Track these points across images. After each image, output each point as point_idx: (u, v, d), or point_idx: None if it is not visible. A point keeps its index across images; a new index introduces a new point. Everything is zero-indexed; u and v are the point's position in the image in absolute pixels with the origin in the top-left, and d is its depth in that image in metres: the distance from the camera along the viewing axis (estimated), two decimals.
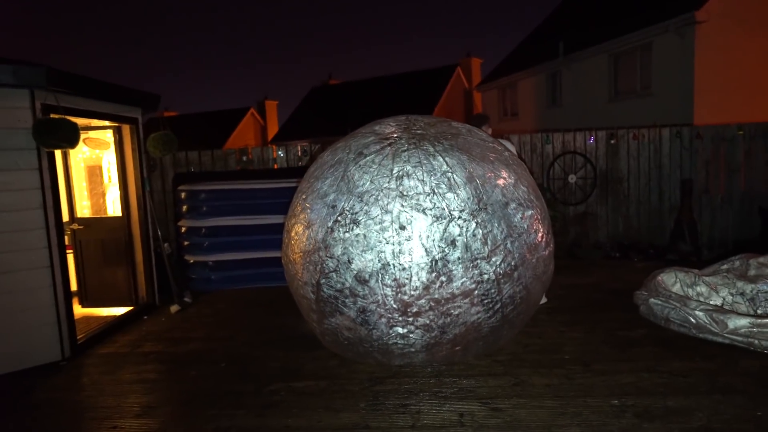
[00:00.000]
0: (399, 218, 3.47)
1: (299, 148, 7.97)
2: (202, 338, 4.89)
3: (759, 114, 10.69)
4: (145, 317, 5.61)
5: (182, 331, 5.12)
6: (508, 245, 3.59)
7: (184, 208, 6.79)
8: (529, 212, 3.76)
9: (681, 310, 4.26)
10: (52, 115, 4.25)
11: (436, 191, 3.52)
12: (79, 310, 5.63)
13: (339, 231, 3.56)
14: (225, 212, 6.68)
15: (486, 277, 3.52)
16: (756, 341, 3.86)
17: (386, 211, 3.49)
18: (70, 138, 4.18)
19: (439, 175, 3.58)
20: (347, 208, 3.58)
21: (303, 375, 3.89)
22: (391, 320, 3.57)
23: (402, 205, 3.49)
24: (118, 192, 5.77)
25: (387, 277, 3.47)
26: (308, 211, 3.82)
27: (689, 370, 3.69)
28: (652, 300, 4.58)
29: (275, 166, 7.91)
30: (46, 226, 4.31)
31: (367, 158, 3.73)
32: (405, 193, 3.52)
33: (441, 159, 3.65)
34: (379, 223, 3.49)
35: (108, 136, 5.79)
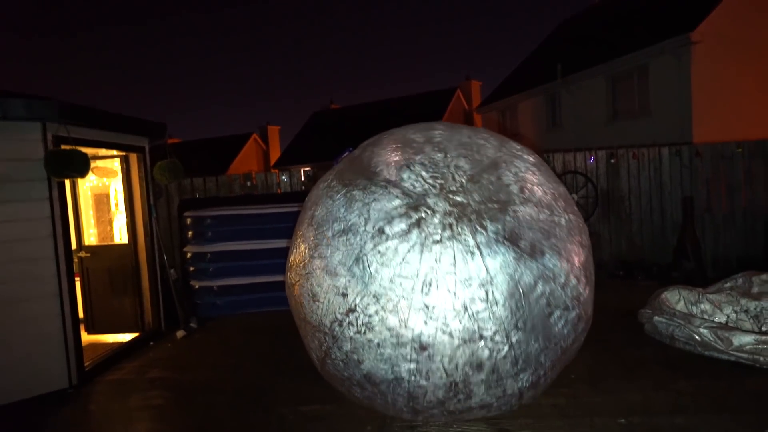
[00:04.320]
0: (420, 338, 2.93)
1: (302, 172, 8.08)
2: (209, 364, 4.91)
3: (757, 131, 10.79)
4: (152, 343, 5.63)
5: (189, 357, 5.14)
6: (541, 359, 3.09)
7: (190, 233, 6.86)
8: (574, 313, 3.15)
9: (685, 328, 4.27)
10: (62, 146, 4.36)
11: (468, 309, 2.91)
12: (85, 337, 5.65)
13: (349, 329, 3.06)
14: (230, 237, 6.74)
15: (509, 392, 3.12)
16: (761, 358, 3.86)
17: (406, 326, 2.94)
18: (80, 168, 4.27)
19: (475, 286, 2.91)
20: (360, 305, 3.01)
21: (310, 399, 3.90)
22: (402, 413, 3.33)
23: (425, 323, 2.92)
24: (125, 219, 5.86)
25: (399, 388, 3.09)
26: (314, 282, 3.23)
27: (696, 388, 3.68)
28: (656, 318, 4.60)
29: (278, 191, 8.00)
30: (55, 255, 4.37)
31: (389, 243, 3.01)
32: (430, 307, 2.92)
33: (481, 261, 2.93)
34: (397, 336, 2.96)
35: (115, 164, 5.90)
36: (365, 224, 3.10)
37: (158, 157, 6.01)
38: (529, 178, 3.33)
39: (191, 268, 6.80)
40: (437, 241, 2.96)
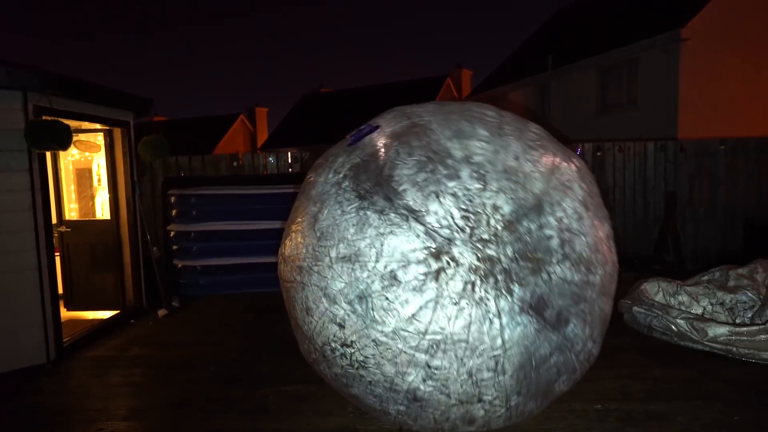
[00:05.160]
0: (415, 392, 2.75)
1: (290, 155, 8.02)
2: (191, 343, 4.89)
3: (742, 129, 10.95)
4: (133, 321, 5.58)
5: (170, 336, 5.11)
6: (534, 412, 3.00)
7: (174, 212, 6.79)
8: (579, 373, 3.04)
9: (663, 319, 4.35)
10: (44, 117, 4.26)
11: (473, 376, 2.68)
12: (65, 314, 5.57)
13: (342, 360, 2.85)
14: (214, 217, 6.69)
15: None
16: (734, 349, 3.96)
17: (402, 378, 2.74)
18: (62, 140, 4.19)
19: (486, 357, 2.66)
20: (357, 344, 2.76)
21: (292, 379, 3.90)
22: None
23: (424, 380, 2.71)
24: (108, 195, 5.77)
25: (386, 417, 3.02)
26: (309, 296, 2.93)
27: (671, 376, 3.77)
28: (635, 308, 4.68)
29: (265, 173, 7.94)
30: (35, 227, 4.30)
31: (399, 292, 2.67)
32: (432, 368, 2.69)
33: (498, 332, 2.65)
34: (391, 383, 2.77)
35: (99, 139, 5.79)
36: (376, 259, 2.72)
37: (143, 134, 5.92)
38: (574, 227, 2.91)
39: (175, 247, 6.74)
40: (455, 302, 2.63)
